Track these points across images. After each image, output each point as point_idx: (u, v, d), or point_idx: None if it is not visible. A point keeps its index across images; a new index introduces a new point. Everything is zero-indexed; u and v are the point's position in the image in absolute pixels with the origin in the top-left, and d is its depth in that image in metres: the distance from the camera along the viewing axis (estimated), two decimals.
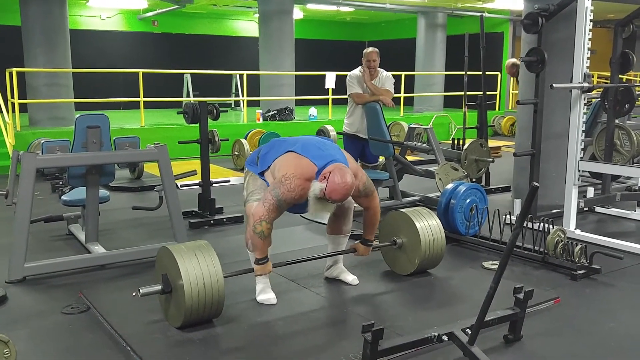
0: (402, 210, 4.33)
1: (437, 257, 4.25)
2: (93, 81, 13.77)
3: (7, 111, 9.09)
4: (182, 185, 6.91)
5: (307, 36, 17.66)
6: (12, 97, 9.43)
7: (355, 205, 4.03)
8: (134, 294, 3.33)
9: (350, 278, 4.13)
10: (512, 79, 7.88)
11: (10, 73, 9.46)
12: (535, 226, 4.64)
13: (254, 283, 3.84)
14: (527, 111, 6.18)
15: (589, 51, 5.07)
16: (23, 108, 10.11)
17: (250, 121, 11.88)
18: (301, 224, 5.82)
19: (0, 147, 9.02)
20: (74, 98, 10.90)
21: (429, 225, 4.20)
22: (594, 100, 7.16)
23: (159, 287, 3.40)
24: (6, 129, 8.90)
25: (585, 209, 5.89)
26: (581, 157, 5.22)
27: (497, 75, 15.14)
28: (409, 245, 4.21)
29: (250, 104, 12.79)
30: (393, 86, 6.31)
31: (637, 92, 6.99)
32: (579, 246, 4.35)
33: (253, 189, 3.77)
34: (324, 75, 12.01)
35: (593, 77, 5.18)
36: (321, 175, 3.47)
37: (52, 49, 10.29)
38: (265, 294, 3.78)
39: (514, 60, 8.53)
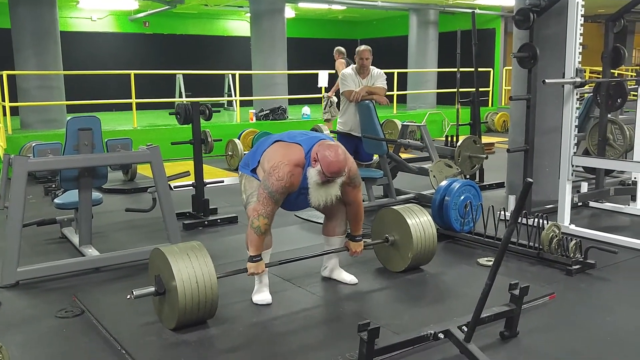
0: (394, 207, 4.33)
1: (429, 253, 4.25)
2: (85, 83, 13.72)
3: None
4: (175, 187, 6.88)
5: (299, 35, 17.64)
6: (3, 100, 9.37)
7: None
8: (128, 297, 3.31)
9: (349, 278, 4.10)
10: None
11: (1, 76, 9.40)
12: (530, 222, 4.64)
13: (248, 284, 3.83)
14: (520, 107, 6.18)
15: (581, 46, 5.07)
16: (14, 111, 10.05)
17: (243, 121, 11.86)
18: (295, 224, 5.80)
19: None
20: (66, 100, 10.84)
21: (420, 221, 4.20)
22: (586, 95, 7.18)
23: (152, 289, 3.38)
24: None
25: (580, 203, 5.90)
26: (574, 152, 5.23)
27: (490, 71, 15.17)
28: (401, 242, 4.21)
29: (243, 103, 12.75)
30: (385, 82, 6.30)
31: (629, 87, 7.00)
32: (573, 241, 4.35)
33: (251, 192, 3.76)
34: (317, 74, 11.99)
35: (585, 72, 5.18)
36: (312, 159, 3.50)
37: (42, 51, 10.23)
38: (261, 295, 3.77)
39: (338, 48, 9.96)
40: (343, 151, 3.54)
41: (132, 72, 10.63)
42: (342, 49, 9.96)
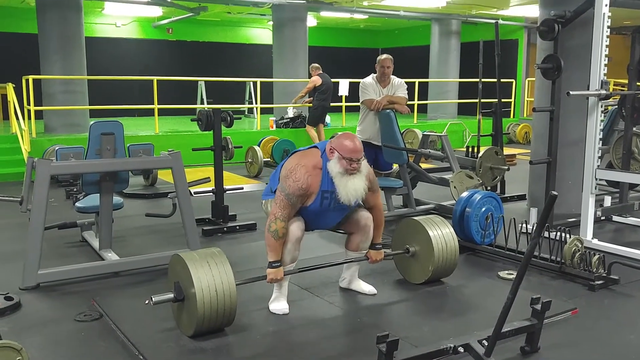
0: (415, 218, 4.29)
1: (450, 266, 4.21)
2: (108, 88, 13.86)
3: (23, 118, 9.16)
4: (195, 193, 6.89)
5: (320, 43, 17.67)
6: (28, 104, 9.52)
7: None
8: (146, 302, 3.32)
9: (367, 289, 4.06)
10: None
11: (27, 80, 9.54)
12: (552, 235, 4.57)
13: (266, 291, 3.82)
14: (543, 119, 6.11)
15: (606, 58, 5.00)
16: (39, 115, 10.20)
17: (263, 128, 11.89)
18: (315, 232, 5.77)
19: (16, 153, 9.09)
20: (89, 105, 10.97)
21: (442, 233, 4.15)
22: (610, 107, 7.07)
23: (171, 295, 3.38)
24: (22, 136, 8.97)
25: (603, 218, 5.80)
26: (598, 165, 5.15)
27: (512, 82, 15.05)
28: (422, 254, 4.16)
29: (263, 111, 12.80)
30: (406, 92, 6.28)
31: None
32: (596, 256, 4.28)
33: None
34: (338, 83, 12.00)
35: (610, 84, 5.11)
36: (328, 153, 3.53)
37: (67, 56, 10.39)
38: (278, 304, 3.74)
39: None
40: (355, 135, 3.62)
41: (155, 78, 10.73)
42: (317, 65, 11.05)
